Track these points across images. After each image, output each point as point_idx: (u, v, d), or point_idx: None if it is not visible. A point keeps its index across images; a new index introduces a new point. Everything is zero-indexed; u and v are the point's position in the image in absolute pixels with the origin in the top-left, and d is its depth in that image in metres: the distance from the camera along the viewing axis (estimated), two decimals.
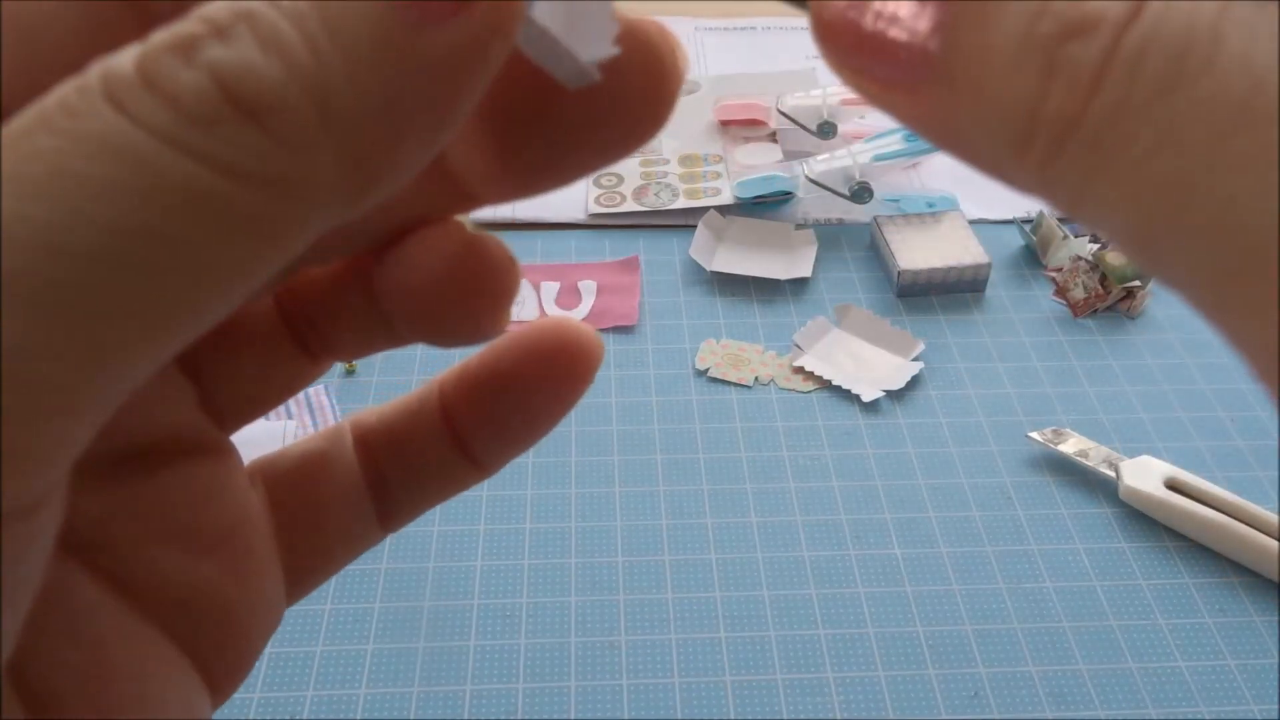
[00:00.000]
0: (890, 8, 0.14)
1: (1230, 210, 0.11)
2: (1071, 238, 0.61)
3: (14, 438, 0.12)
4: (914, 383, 0.55)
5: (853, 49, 0.14)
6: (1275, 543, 0.46)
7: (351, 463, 0.21)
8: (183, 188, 0.12)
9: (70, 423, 0.12)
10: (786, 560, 0.47)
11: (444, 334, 0.19)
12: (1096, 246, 0.60)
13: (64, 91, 0.13)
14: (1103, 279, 0.59)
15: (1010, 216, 0.65)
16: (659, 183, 0.67)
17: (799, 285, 0.61)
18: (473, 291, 0.19)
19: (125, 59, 0.13)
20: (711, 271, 0.61)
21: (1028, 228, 0.63)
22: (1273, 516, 0.46)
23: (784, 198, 0.65)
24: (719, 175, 0.68)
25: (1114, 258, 0.59)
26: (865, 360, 0.56)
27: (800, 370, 0.56)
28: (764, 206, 0.65)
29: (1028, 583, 0.46)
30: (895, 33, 0.13)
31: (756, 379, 0.56)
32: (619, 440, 0.52)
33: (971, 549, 0.47)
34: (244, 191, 0.12)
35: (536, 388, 0.20)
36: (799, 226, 0.64)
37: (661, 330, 0.58)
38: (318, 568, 0.21)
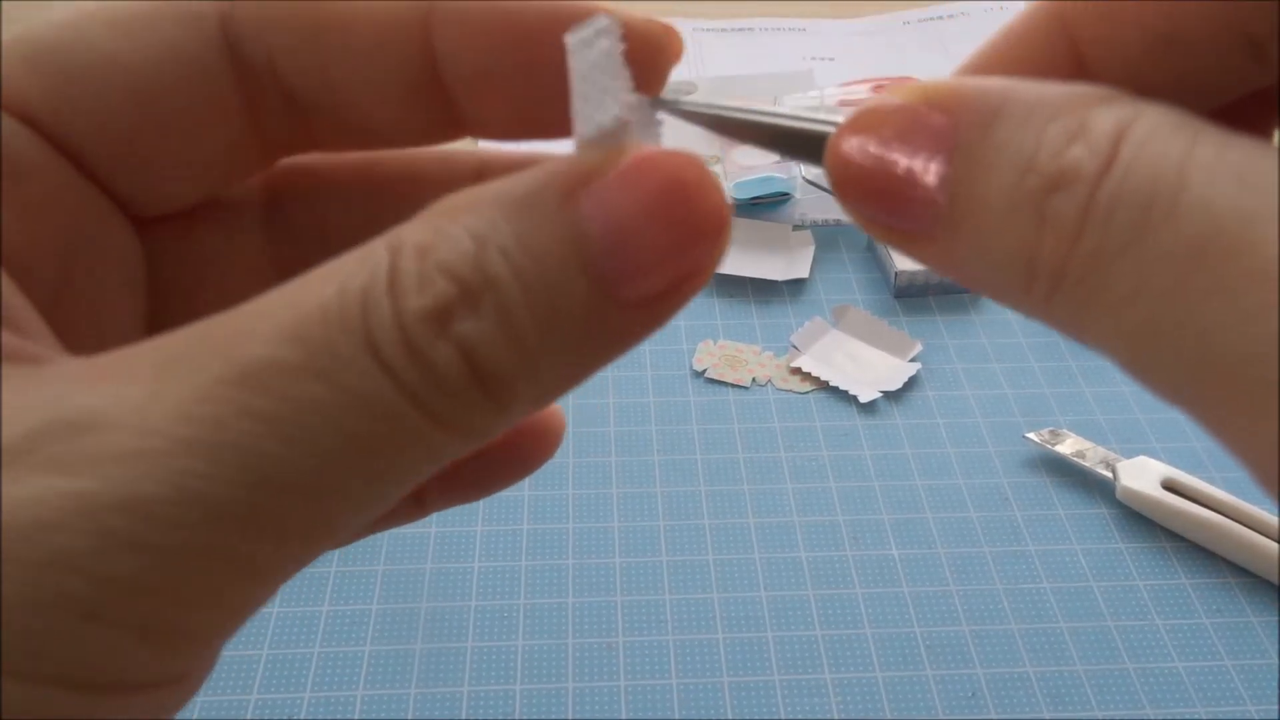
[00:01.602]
0: (900, 163, 0.15)
1: (1205, 343, 0.12)
2: None
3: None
4: (911, 384, 0.55)
5: (868, 202, 0.15)
6: (1273, 543, 0.46)
7: None
8: (422, 443, 0.14)
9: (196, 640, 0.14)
10: (784, 561, 0.47)
11: (501, 482, 0.22)
12: None
13: (331, 333, 0.14)
14: None
15: None
16: None
17: (796, 286, 0.61)
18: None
19: (385, 312, 0.14)
20: None
21: None
22: (1270, 517, 0.46)
23: (781, 199, 0.65)
24: (717, 176, 0.68)
25: None
26: (863, 361, 0.56)
27: (798, 371, 0.56)
28: (761, 207, 0.65)
29: (1025, 583, 0.46)
30: (905, 188, 0.15)
31: (754, 380, 0.56)
32: (616, 441, 0.52)
33: (969, 550, 0.47)
34: (454, 442, 0.14)
35: (491, 457, 0.21)
36: (796, 227, 0.64)
37: (659, 332, 0.58)
38: None
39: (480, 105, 0.18)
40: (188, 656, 0.14)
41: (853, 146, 0.15)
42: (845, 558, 0.47)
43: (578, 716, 0.41)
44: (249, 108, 0.18)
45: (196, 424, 0.13)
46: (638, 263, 0.14)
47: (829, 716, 0.41)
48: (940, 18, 0.87)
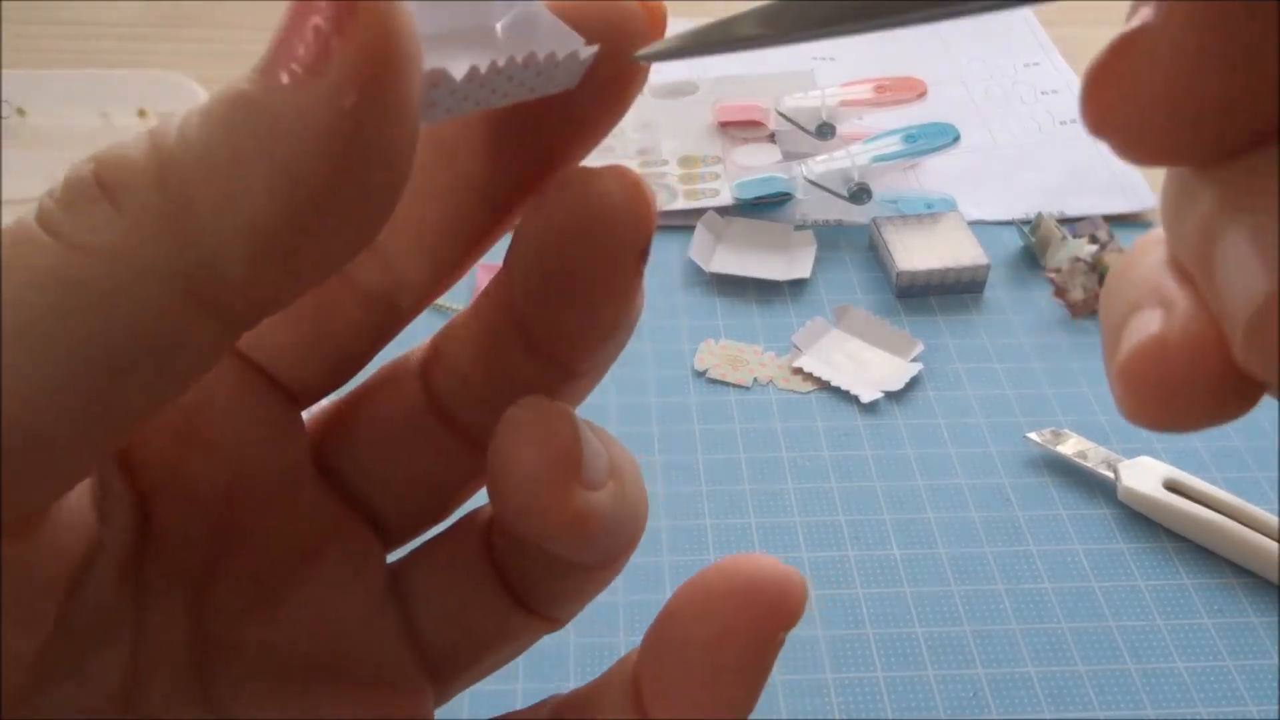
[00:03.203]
0: (1175, 340, 0.13)
1: None
2: (1070, 239, 0.61)
3: None
4: (913, 384, 0.55)
5: (1169, 405, 0.13)
6: (1274, 544, 0.46)
7: None
8: (43, 266, 0.13)
9: None
10: (785, 561, 0.47)
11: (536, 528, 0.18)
12: (1095, 248, 0.60)
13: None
14: (1101, 280, 0.59)
15: (1009, 217, 0.65)
16: (658, 184, 0.67)
17: (798, 286, 0.61)
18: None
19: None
20: (710, 272, 0.61)
21: (1026, 229, 0.63)
22: (1272, 518, 0.46)
23: (783, 199, 0.65)
24: (717, 176, 0.68)
25: (1113, 259, 0.59)
26: (864, 361, 0.56)
27: (799, 371, 0.56)
28: (763, 208, 0.65)
29: (1026, 584, 0.46)
30: (1196, 377, 0.13)
31: (755, 380, 0.56)
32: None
33: (970, 550, 0.47)
34: (89, 263, 0.13)
35: (721, 647, 0.18)
36: (798, 227, 0.64)
37: (660, 331, 0.58)
38: None
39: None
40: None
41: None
42: (846, 558, 0.47)
43: None
44: None
45: None
46: (284, 48, 0.13)
47: (830, 717, 0.41)
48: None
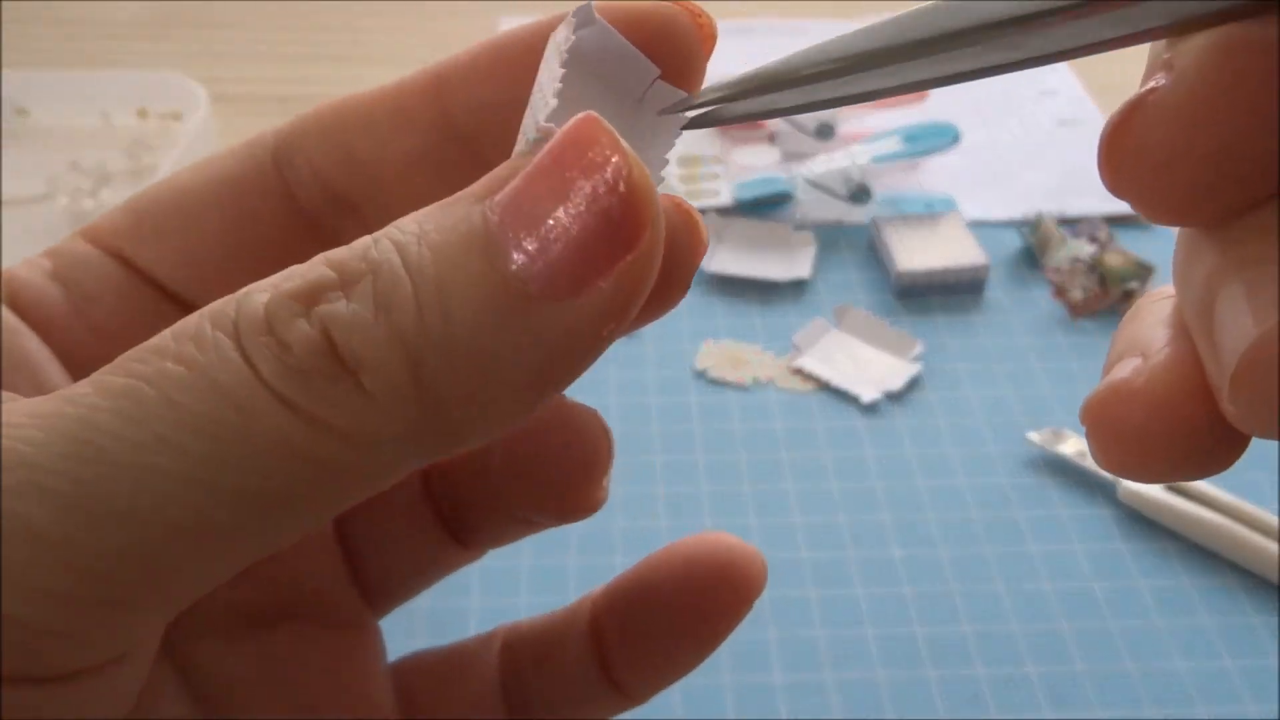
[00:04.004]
0: (1159, 393, 0.13)
1: None
2: (1070, 239, 0.61)
3: (69, 621, 0.12)
4: (913, 384, 0.55)
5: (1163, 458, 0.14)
6: (1274, 545, 0.46)
7: (492, 667, 0.22)
8: (271, 434, 0.12)
9: (129, 615, 0.13)
10: (785, 561, 0.47)
11: (547, 508, 0.20)
12: (1095, 248, 0.60)
13: (200, 320, 0.13)
14: (1101, 280, 0.59)
15: (1009, 218, 0.65)
16: (658, 184, 0.67)
17: (798, 286, 0.61)
18: (562, 464, 0.19)
19: (256, 298, 0.13)
20: (710, 273, 0.61)
21: (1026, 229, 0.63)
22: (1272, 519, 0.46)
23: (783, 199, 0.65)
24: (717, 177, 0.68)
25: (1113, 259, 0.59)
26: (864, 361, 0.56)
27: (799, 371, 0.56)
28: (763, 208, 0.65)
29: (1026, 584, 0.46)
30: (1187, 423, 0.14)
31: (755, 380, 0.56)
32: (617, 441, 0.52)
33: (970, 550, 0.47)
34: (327, 442, 0.13)
35: (689, 607, 0.20)
36: (798, 228, 0.64)
37: (660, 331, 0.58)
38: None
39: (496, 143, 0.18)
40: (113, 629, 0.13)
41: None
42: (847, 558, 0.47)
43: None
44: (300, 215, 0.19)
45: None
46: (536, 240, 0.13)
47: (830, 717, 0.41)
48: None
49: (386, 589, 0.21)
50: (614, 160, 0.13)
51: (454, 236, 0.13)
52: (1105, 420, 0.14)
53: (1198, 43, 0.13)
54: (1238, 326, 0.12)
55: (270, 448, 0.12)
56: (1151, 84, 0.13)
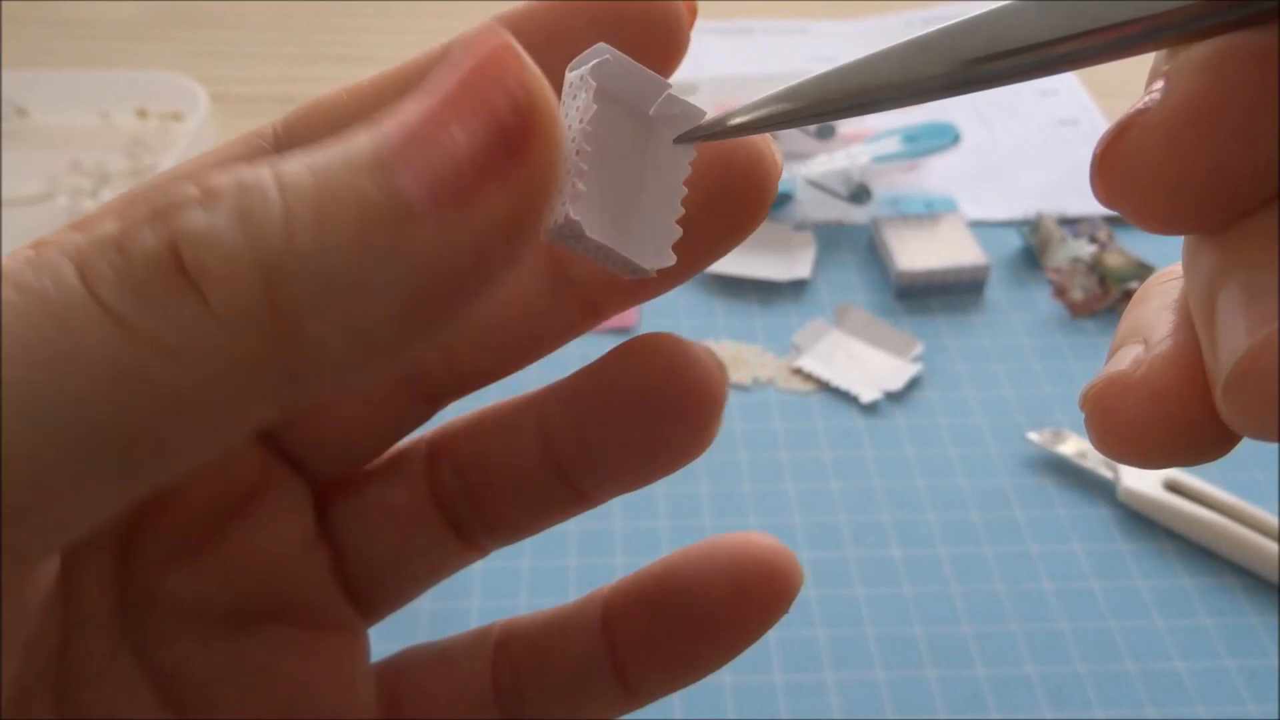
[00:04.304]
0: (1157, 387, 0.14)
1: None
2: (1070, 239, 0.61)
3: None
4: (913, 384, 0.55)
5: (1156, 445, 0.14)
6: (1274, 544, 0.46)
7: (484, 663, 0.20)
8: (96, 351, 0.11)
9: None
10: None
11: (656, 452, 0.18)
12: (1095, 248, 0.60)
13: (43, 246, 0.12)
14: (1101, 280, 0.59)
15: (1009, 218, 0.65)
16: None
17: (798, 287, 0.61)
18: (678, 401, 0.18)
19: (109, 218, 0.12)
20: (710, 273, 0.61)
21: (1026, 229, 0.63)
22: (1272, 518, 0.46)
23: (783, 199, 0.65)
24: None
25: (1113, 259, 0.59)
26: (864, 361, 0.56)
27: (799, 371, 0.56)
28: None
29: (1026, 584, 0.46)
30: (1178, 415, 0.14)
31: (755, 380, 0.56)
32: None
33: (970, 550, 0.47)
34: (157, 361, 0.11)
35: (723, 608, 0.18)
36: (798, 228, 0.64)
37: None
38: None
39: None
40: None
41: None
42: (846, 558, 0.47)
43: None
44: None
45: None
46: (424, 155, 0.12)
47: (830, 717, 0.41)
48: (942, 18, 0.87)
49: (382, 590, 0.20)
50: (512, 67, 0.12)
51: (341, 157, 0.12)
52: (1102, 409, 0.14)
53: (1191, 55, 0.13)
54: (1232, 333, 0.12)
55: (94, 368, 0.11)
56: (1144, 101, 0.13)
